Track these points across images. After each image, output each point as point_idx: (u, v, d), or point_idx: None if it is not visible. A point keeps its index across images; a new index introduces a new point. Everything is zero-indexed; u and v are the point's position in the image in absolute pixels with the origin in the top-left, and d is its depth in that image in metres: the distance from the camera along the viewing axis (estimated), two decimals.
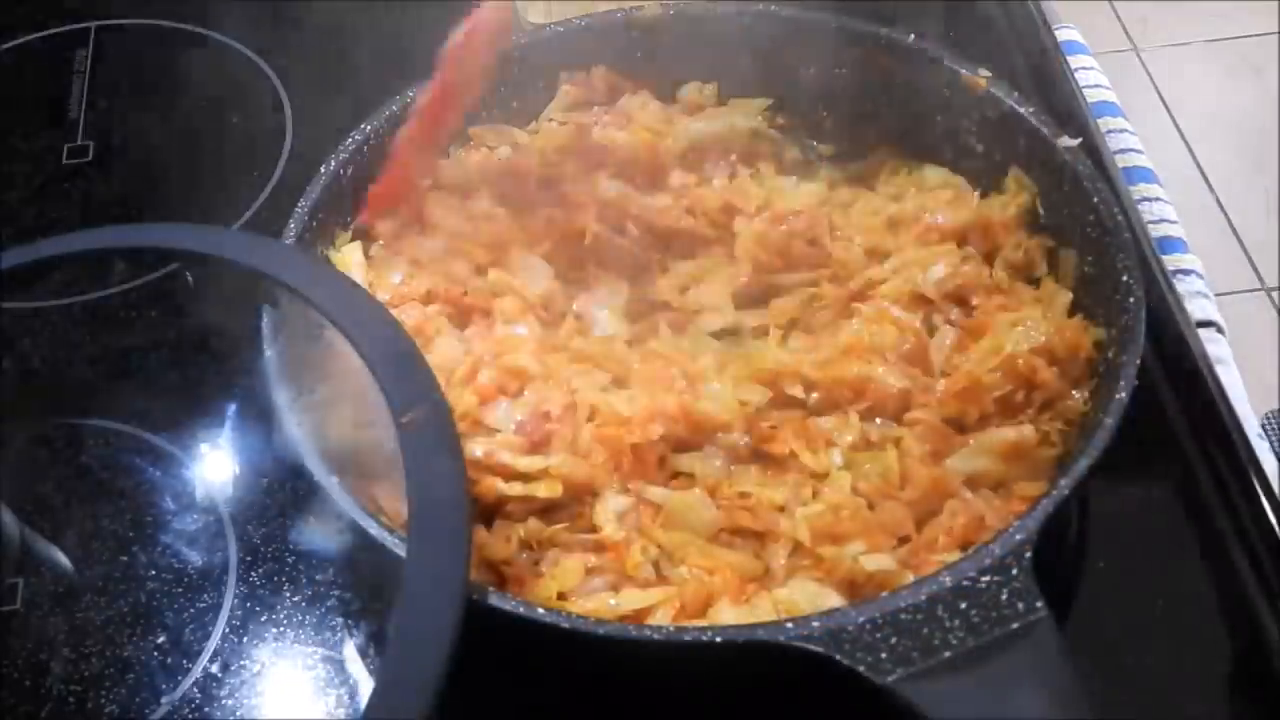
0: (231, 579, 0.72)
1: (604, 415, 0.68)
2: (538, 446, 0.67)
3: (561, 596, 0.64)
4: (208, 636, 0.69)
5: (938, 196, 0.81)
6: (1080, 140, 0.76)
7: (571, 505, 0.66)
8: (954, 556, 0.63)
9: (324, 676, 0.68)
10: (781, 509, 0.67)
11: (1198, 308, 0.93)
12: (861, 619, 0.56)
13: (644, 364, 0.72)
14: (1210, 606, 0.69)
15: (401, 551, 0.57)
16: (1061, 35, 1.04)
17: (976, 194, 0.81)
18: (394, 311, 0.68)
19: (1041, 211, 0.79)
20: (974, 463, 0.68)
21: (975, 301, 0.75)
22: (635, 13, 0.86)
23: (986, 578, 0.57)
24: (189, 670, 0.68)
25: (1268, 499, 0.72)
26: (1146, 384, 0.76)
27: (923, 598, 0.57)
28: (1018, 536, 0.59)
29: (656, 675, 0.65)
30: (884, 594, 0.59)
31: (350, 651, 0.69)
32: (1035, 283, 0.77)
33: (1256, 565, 0.69)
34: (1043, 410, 0.70)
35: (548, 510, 0.66)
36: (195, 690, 0.67)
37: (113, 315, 0.86)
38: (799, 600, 0.63)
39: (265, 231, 0.89)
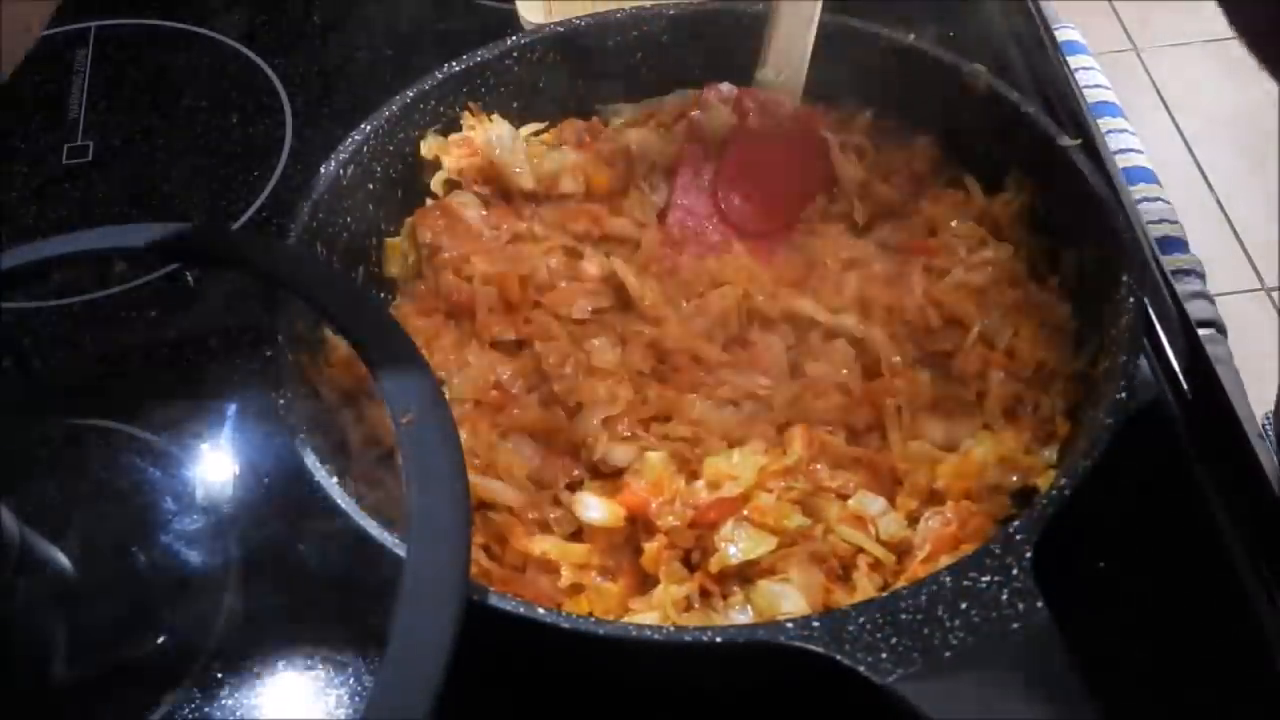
0: (231, 579, 0.72)
1: None
2: None
3: None
4: (208, 636, 0.69)
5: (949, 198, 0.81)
6: (1080, 140, 0.76)
7: None
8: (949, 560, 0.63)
9: (324, 676, 0.68)
10: None
11: (1198, 308, 0.93)
12: (861, 619, 0.56)
13: None
14: (1210, 606, 0.69)
15: (401, 551, 0.57)
16: (1061, 35, 1.04)
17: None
18: None
19: (1041, 211, 0.79)
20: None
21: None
22: (635, 12, 0.86)
23: (986, 578, 0.57)
24: (189, 670, 0.68)
25: (1268, 499, 0.72)
26: (1146, 384, 0.77)
27: (923, 598, 0.57)
28: (1018, 536, 0.59)
29: (656, 675, 0.65)
30: (884, 594, 0.59)
31: (350, 651, 0.69)
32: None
33: (1256, 565, 0.69)
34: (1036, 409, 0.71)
35: None
36: (195, 690, 0.67)
37: (113, 315, 0.86)
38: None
39: (265, 231, 0.89)
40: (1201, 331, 0.84)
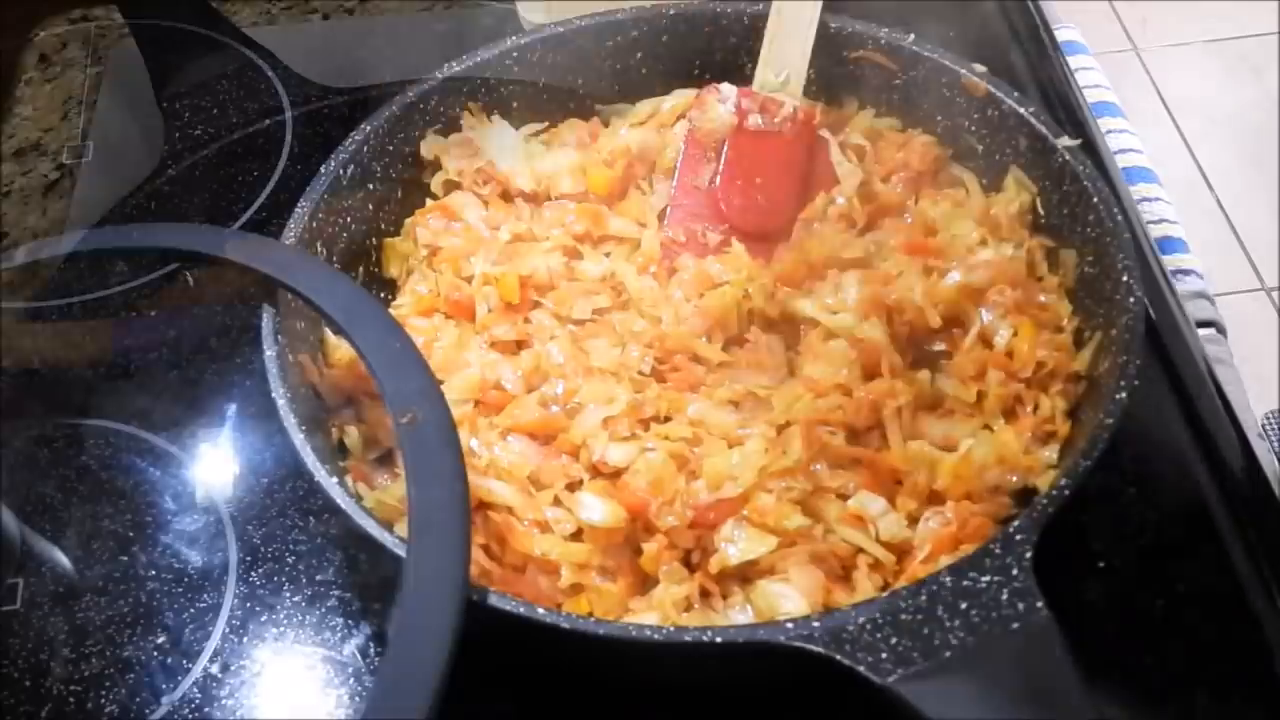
0: (231, 579, 0.72)
1: None
2: None
3: None
4: (208, 636, 0.69)
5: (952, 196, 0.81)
6: (1080, 140, 0.76)
7: None
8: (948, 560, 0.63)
9: (324, 676, 0.68)
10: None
11: (1198, 308, 0.93)
12: (861, 619, 0.56)
13: None
14: (1210, 606, 0.69)
15: (401, 551, 0.57)
16: (1061, 35, 1.04)
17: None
18: None
19: (1041, 211, 0.79)
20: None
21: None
22: (635, 12, 0.86)
23: (986, 578, 0.57)
24: (189, 670, 0.68)
25: (1268, 499, 0.72)
26: (1146, 384, 0.77)
27: (923, 598, 0.57)
28: (1018, 536, 0.59)
29: (656, 675, 0.65)
30: (884, 594, 0.59)
31: (350, 651, 0.69)
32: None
33: (1256, 565, 0.70)
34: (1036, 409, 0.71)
35: None
36: (195, 690, 0.67)
37: (113, 315, 0.86)
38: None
39: (265, 231, 0.89)
40: (1201, 331, 0.84)
